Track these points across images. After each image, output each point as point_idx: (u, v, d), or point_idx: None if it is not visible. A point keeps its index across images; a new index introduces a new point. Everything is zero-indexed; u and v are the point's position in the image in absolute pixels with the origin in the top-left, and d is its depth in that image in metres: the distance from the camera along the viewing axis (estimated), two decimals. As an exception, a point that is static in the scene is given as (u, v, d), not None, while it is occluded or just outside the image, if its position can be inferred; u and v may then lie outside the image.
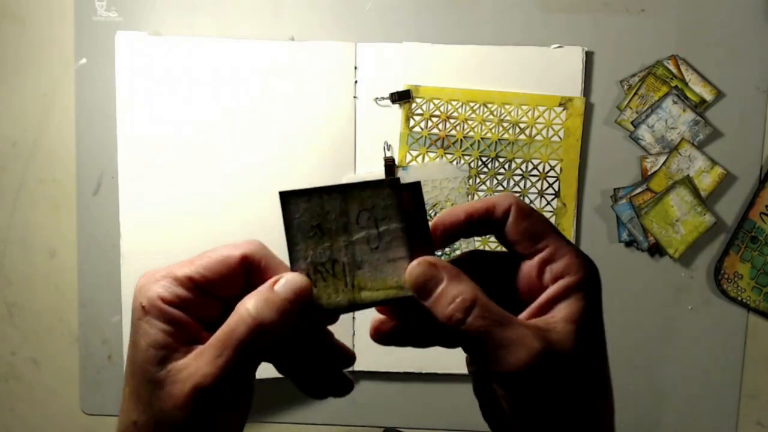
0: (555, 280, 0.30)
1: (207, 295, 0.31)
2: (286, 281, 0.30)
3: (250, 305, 0.29)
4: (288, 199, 0.31)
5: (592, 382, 0.30)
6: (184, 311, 0.30)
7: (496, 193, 0.70)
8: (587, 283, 0.31)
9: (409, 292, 0.31)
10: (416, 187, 0.32)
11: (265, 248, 0.32)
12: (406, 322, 0.33)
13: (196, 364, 0.29)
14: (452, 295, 0.29)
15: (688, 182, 0.68)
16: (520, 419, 0.29)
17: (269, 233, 0.69)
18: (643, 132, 0.69)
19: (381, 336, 0.33)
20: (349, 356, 0.34)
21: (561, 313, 0.30)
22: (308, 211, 0.32)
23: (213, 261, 0.31)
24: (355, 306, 0.31)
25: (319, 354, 0.33)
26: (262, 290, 0.30)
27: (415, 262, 0.31)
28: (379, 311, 0.33)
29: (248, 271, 0.32)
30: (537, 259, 0.31)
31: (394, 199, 0.32)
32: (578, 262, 0.31)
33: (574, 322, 0.29)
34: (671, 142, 0.69)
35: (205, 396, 0.28)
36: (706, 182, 0.69)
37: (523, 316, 0.30)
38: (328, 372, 0.33)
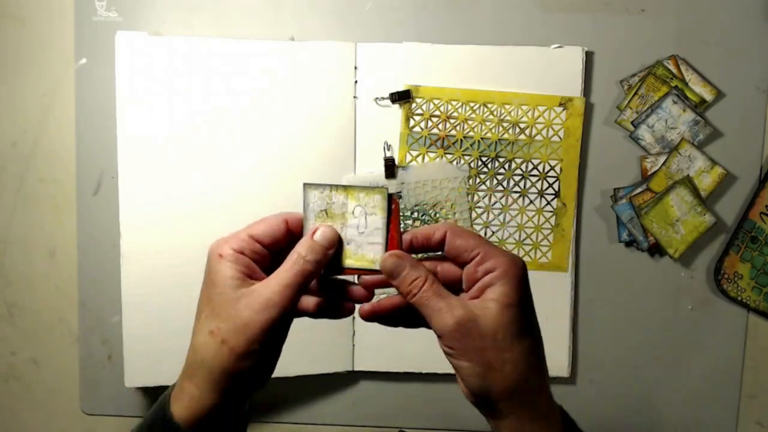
0: (485, 274, 0.42)
1: (260, 247, 0.44)
2: (321, 232, 0.44)
3: (302, 249, 0.43)
4: (307, 188, 0.46)
5: (511, 342, 0.41)
6: (247, 257, 0.43)
7: (496, 193, 0.70)
8: (509, 272, 0.41)
9: (378, 267, 0.44)
10: (397, 197, 0.45)
11: (297, 213, 0.46)
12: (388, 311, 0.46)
13: (266, 287, 0.42)
14: (411, 277, 0.42)
15: (688, 182, 0.68)
16: (452, 364, 0.42)
17: (269, 233, 0.69)
18: (643, 132, 0.69)
19: (367, 315, 0.46)
20: (357, 296, 0.46)
21: (488, 295, 0.41)
22: (319, 198, 0.46)
23: (264, 224, 0.45)
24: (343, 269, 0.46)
25: (330, 289, 0.47)
26: (306, 239, 0.44)
27: (386, 254, 0.44)
28: (363, 285, 0.46)
29: (289, 229, 0.45)
30: (473, 263, 0.42)
31: (381, 202, 0.45)
32: (503, 259, 0.42)
33: (496, 300, 0.41)
34: (671, 142, 0.69)
35: (274, 305, 0.41)
36: (706, 182, 0.69)
37: (463, 298, 0.42)
38: (333, 300, 0.47)
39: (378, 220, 0.45)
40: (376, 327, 0.71)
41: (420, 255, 0.45)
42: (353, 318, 0.71)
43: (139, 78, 0.68)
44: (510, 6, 0.70)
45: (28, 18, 0.73)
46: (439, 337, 0.42)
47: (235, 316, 0.42)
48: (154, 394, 0.74)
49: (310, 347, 0.70)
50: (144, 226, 0.68)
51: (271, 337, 0.42)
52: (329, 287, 0.46)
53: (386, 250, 0.45)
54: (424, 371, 0.71)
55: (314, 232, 0.44)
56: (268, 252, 0.45)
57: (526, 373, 0.41)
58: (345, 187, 0.45)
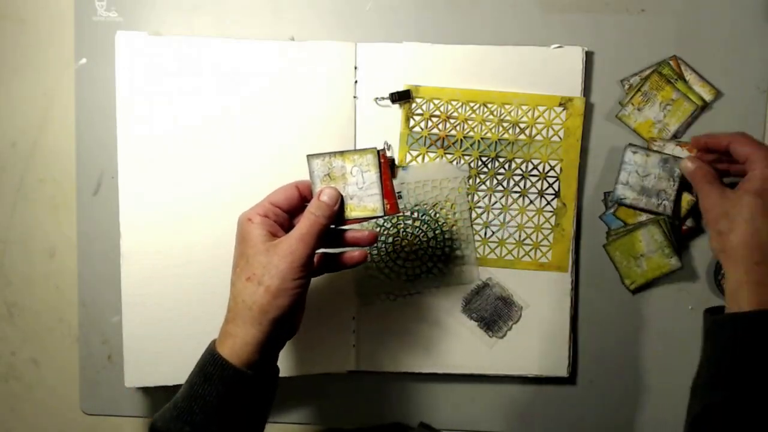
0: (750, 171, 0.59)
1: (280, 211, 0.56)
2: (326, 192, 0.55)
3: (313, 208, 0.54)
4: (310, 158, 0.57)
5: (742, 221, 0.56)
6: (270, 219, 0.55)
7: (496, 193, 0.70)
8: (763, 173, 0.57)
9: (381, 213, 0.57)
10: (386, 153, 0.61)
11: (305, 180, 0.57)
12: None
13: (289, 238, 0.53)
14: (692, 168, 0.64)
15: (662, 222, 0.68)
16: (708, 227, 0.61)
17: (269, 233, 0.69)
18: (623, 191, 0.68)
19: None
20: (364, 240, 0.59)
21: (741, 185, 0.58)
22: (321, 165, 0.57)
23: (281, 192, 0.57)
24: (347, 220, 0.57)
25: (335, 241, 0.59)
26: (315, 200, 0.55)
27: (686, 157, 0.64)
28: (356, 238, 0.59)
29: (301, 194, 0.57)
30: (746, 163, 0.60)
31: (373, 160, 0.56)
32: (762, 162, 0.58)
33: (743, 188, 0.57)
34: (653, 189, 0.68)
35: (296, 249, 0.52)
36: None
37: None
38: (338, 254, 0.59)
39: (373, 175, 0.56)
40: (376, 327, 0.71)
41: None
42: (353, 318, 0.71)
43: (139, 78, 0.68)
44: (510, 6, 0.70)
45: (28, 18, 0.73)
46: (703, 210, 0.60)
47: (267, 262, 0.52)
48: (154, 394, 0.74)
49: (310, 347, 0.70)
50: (144, 226, 0.68)
51: (297, 277, 0.52)
52: (331, 242, 0.58)
53: (383, 198, 0.56)
54: (424, 371, 0.71)
55: (320, 194, 0.55)
56: (286, 215, 0.56)
57: (746, 242, 0.55)
58: (341, 153, 0.56)
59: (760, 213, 0.55)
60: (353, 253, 0.59)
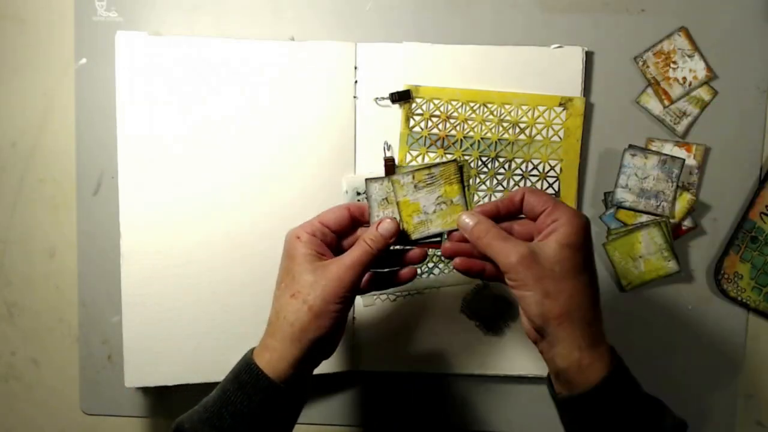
0: (553, 222, 0.49)
1: (329, 231, 0.55)
2: (383, 225, 0.54)
3: (368, 238, 0.54)
4: (369, 182, 0.56)
5: (568, 275, 0.48)
6: (318, 239, 0.54)
7: (496, 193, 0.70)
8: (572, 221, 0.49)
9: (440, 230, 0.56)
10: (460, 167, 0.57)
11: (358, 203, 0.58)
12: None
13: (340, 262, 0.52)
14: (479, 228, 0.52)
15: (663, 225, 0.68)
16: (516, 295, 0.49)
17: (269, 232, 0.70)
18: (622, 195, 0.69)
19: (448, 253, 0.55)
20: (415, 259, 0.57)
21: (551, 237, 0.49)
22: (380, 189, 0.56)
23: (332, 213, 0.56)
24: (417, 242, 0.57)
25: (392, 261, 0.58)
26: (372, 230, 0.54)
27: (461, 213, 0.54)
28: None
29: (351, 216, 0.56)
30: (543, 214, 0.50)
31: (455, 171, 0.56)
32: (568, 211, 0.49)
33: (557, 240, 0.48)
34: (653, 190, 0.69)
35: (345, 275, 0.52)
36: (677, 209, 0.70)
37: (536, 239, 0.51)
38: (393, 271, 0.58)
39: (436, 191, 0.56)
40: (376, 327, 0.71)
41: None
42: (353, 318, 0.71)
43: (139, 78, 0.68)
44: (510, 6, 0.70)
45: (28, 18, 0.73)
46: (505, 273, 0.49)
47: (313, 281, 0.52)
48: (154, 394, 0.74)
49: (310, 347, 0.70)
50: (144, 226, 0.68)
51: (342, 301, 0.52)
52: (385, 263, 0.58)
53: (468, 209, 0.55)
54: (424, 371, 0.71)
55: (379, 224, 0.55)
56: (335, 235, 0.56)
57: (580, 303, 0.48)
58: (412, 170, 0.56)
59: (581, 266, 0.49)
60: (403, 271, 0.57)
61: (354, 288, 0.52)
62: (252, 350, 0.54)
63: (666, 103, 0.70)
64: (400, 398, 0.73)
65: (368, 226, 0.56)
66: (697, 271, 0.71)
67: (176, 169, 0.68)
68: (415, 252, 0.57)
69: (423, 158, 0.70)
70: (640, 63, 0.70)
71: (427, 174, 0.56)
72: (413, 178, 0.56)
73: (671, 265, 0.69)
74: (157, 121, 0.68)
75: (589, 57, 0.70)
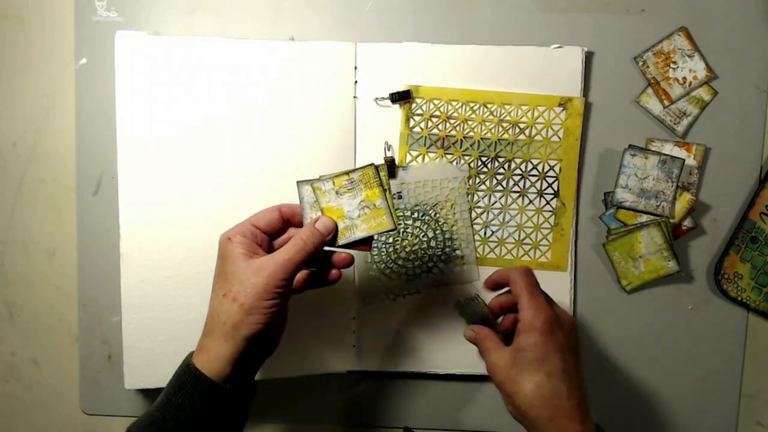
0: (520, 321, 0.57)
1: (260, 233, 0.56)
2: (321, 221, 0.55)
3: (304, 235, 0.54)
4: (300, 184, 0.56)
5: (519, 379, 0.54)
6: (249, 240, 0.55)
7: (496, 193, 0.70)
8: (531, 324, 0.55)
9: (391, 228, 0.55)
10: (384, 164, 0.57)
11: (289, 204, 0.58)
12: None
13: (271, 259, 0.53)
14: (474, 336, 0.61)
15: (663, 225, 0.68)
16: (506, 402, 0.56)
17: (269, 233, 0.69)
18: (622, 195, 0.69)
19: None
20: (340, 263, 0.58)
21: (515, 341, 0.56)
22: (311, 191, 0.55)
23: (262, 214, 0.57)
24: (344, 244, 0.55)
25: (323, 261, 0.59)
26: (309, 226, 0.54)
27: (468, 328, 0.62)
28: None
29: (283, 217, 0.57)
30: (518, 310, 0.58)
31: (373, 174, 0.55)
32: (528, 311, 0.56)
33: (514, 346, 0.56)
34: (652, 190, 0.69)
35: (276, 271, 0.52)
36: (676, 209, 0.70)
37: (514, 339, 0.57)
38: (323, 272, 0.59)
39: (362, 194, 0.55)
40: (376, 327, 0.71)
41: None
42: (353, 318, 0.71)
43: (139, 78, 0.68)
44: (510, 6, 0.70)
45: (28, 18, 0.73)
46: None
47: (244, 279, 0.52)
48: (154, 395, 0.74)
49: (310, 347, 0.70)
50: (144, 226, 0.68)
51: (273, 297, 0.52)
52: (315, 262, 0.58)
53: (391, 212, 0.55)
54: (424, 371, 0.71)
55: (316, 221, 0.55)
56: (266, 237, 0.56)
57: (534, 404, 0.53)
58: (333, 176, 0.55)
59: (534, 367, 0.53)
60: (332, 272, 0.59)
61: (287, 285, 0.53)
62: (191, 353, 0.55)
63: (666, 103, 0.70)
64: (400, 398, 0.73)
65: (300, 227, 0.56)
66: (697, 271, 0.71)
67: (176, 169, 0.68)
68: (341, 257, 0.58)
69: (423, 158, 0.70)
70: (640, 63, 0.70)
71: (347, 180, 0.55)
72: (333, 184, 0.55)
73: (671, 265, 0.69)
74: (156, 121, 0.68)
75: (588, 57, 0.70)
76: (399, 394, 0.73)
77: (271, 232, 0.57)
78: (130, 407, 0.74)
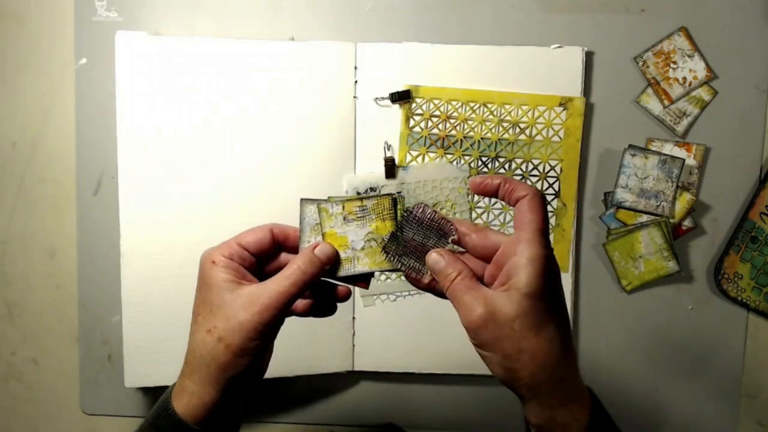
0: (513, 257, 0.43)
1: (248, 254, 0.48)
2: (321, 248, 0.47)
3: (301, 263, 0.46)
4: (304, 203, 0.49)
5: (528, 333, 0.42)
6: (236, 263, 0.47)
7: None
8: (533, 262, 0.42)
9: (367, 270, 0.48)
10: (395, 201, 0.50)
11: (282, 225, 0.49)
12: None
13: (263, 291, 0.45)
14: (447, 272, 0.45)
15: (663, 225, 0.68)
16: (480, 355, 0.44)
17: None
18: (622, 195, 0.69)
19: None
20: (342, 295, 0.51)
21: (512, 284, 0.42)
22: (315, 212, 0.49)
23: (251, 234, 0.48)
24: (345, 277, 0.49)
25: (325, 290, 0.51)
26: (307, 253, 0.47)
27: (432, 251, 0.47)
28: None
29: (274, 239, 0.49)
30: (507, 244, 0.44)
31: (389, 206, 0.49)
32: (529, 248, 0.43)
33: (518, 289, 0.42)
34: (653, 190, 0.69)
35: (269, 308, 0.44)
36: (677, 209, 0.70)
37: (495, 284, 0.44)
38: (327, 300, 0.51)
39: (367, 227, 0.49)
40: (376, 327, 0.71)
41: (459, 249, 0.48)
42: (353, 318, 0.71)
43: (139, 78, 0.68)
44: (510, 6, 0.70)
45: (28, 18, 0.73)
46: (466, 329, 0.44)
47: (232, 315, 0.45)
48: (154, 395, 0.74)
49: (310, 347, 0.70)
50: (144, 226, 0.68)
51: (264, 337, 0.45)
52: (316, 289, 0.50)
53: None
54: (424, 371, 0.71)
55: (315, 247, 0.47)
56: (255, 259, 0.49)
57: (544, 362, 0.42)
58: (342, 200, 0.48)
59: (544, 317, 0.43)
60: (332, 304, 0.52)
61: (280, 321, 0.46)
62: (170, 390, 0.49)
63: (666, 103, 0.70)
64: (399, 398, 0.73)
65: (293, 252, 0.49)
66: (697, 271, 0.71)
67: (176, 169, 0.68)
68: (340, 290, 0.51)
69: (423, 158, 0.70)
70: (640, 63, 0.70)
71: (359, 206, 0.48)
72: (343, 208, 0.48)
73: (671, 265, 0.69)
74: (156, 121, 0.68)
75: (589, 57, 0.70)
76: (399, 394, 0.73)
77: (259, 254, 0.49)
78: (130, 407, 0.74)
